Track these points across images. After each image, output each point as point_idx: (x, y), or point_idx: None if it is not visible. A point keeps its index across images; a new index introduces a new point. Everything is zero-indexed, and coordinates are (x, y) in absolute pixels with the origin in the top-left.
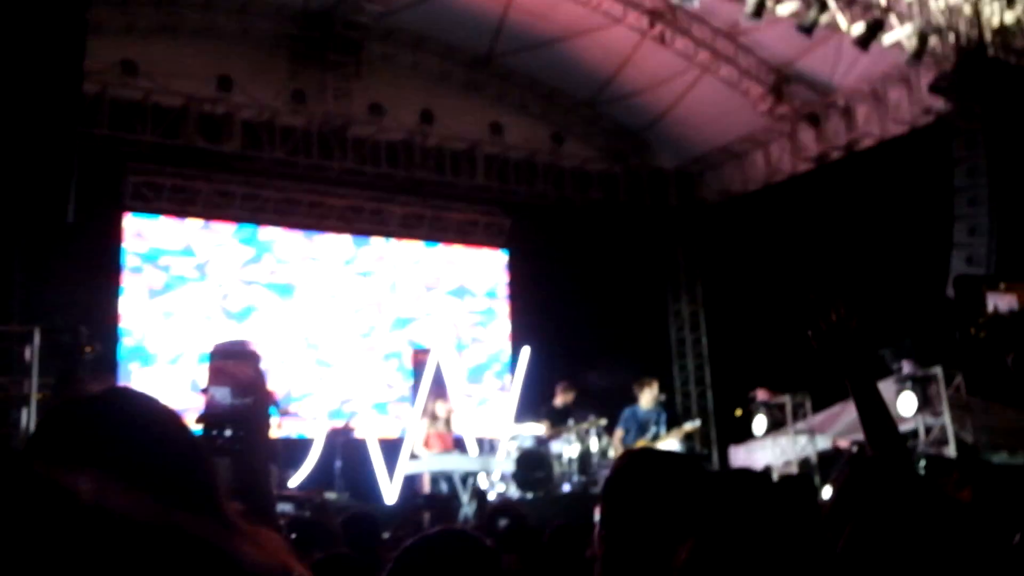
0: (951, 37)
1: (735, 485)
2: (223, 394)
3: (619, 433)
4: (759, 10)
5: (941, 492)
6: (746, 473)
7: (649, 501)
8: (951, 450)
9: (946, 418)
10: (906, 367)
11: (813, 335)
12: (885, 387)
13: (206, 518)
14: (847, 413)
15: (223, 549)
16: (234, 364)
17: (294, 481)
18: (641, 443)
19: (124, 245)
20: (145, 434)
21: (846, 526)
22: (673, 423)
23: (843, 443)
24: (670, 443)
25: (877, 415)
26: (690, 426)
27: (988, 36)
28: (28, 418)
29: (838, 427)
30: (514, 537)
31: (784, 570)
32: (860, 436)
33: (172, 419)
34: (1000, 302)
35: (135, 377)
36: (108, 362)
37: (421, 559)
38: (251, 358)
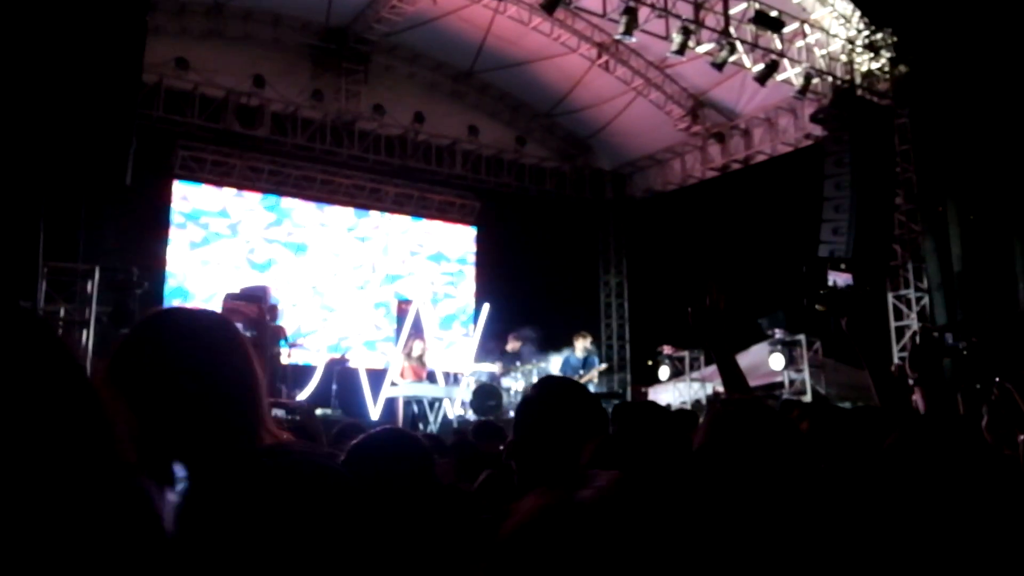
0: (829, 79)
1: (640, 410)
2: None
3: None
4: (682, 48)
5: (786, 421)
6: (648, 403)
7: (549, 411)
8: (808, 398)
9: (806, 374)
10: (778, 333)
11: (690, 313)
12: (760, 348)
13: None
14: None
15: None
16: (244, 305)
17: (299, 398)
18: None
19: (172, 206)
20: (213, 335)
21: (710, 442)
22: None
23: (723, 389)
24: (589, 382)
25: (732, 373)
26: (598, 368)
27: (858, 80)
28: (88, 337)
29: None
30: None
31: (665, 465)
32: None
33: (230, 325)
34: (839, 278)
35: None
36: (154, 298)
37: (368, 451)
38: (258, 300)
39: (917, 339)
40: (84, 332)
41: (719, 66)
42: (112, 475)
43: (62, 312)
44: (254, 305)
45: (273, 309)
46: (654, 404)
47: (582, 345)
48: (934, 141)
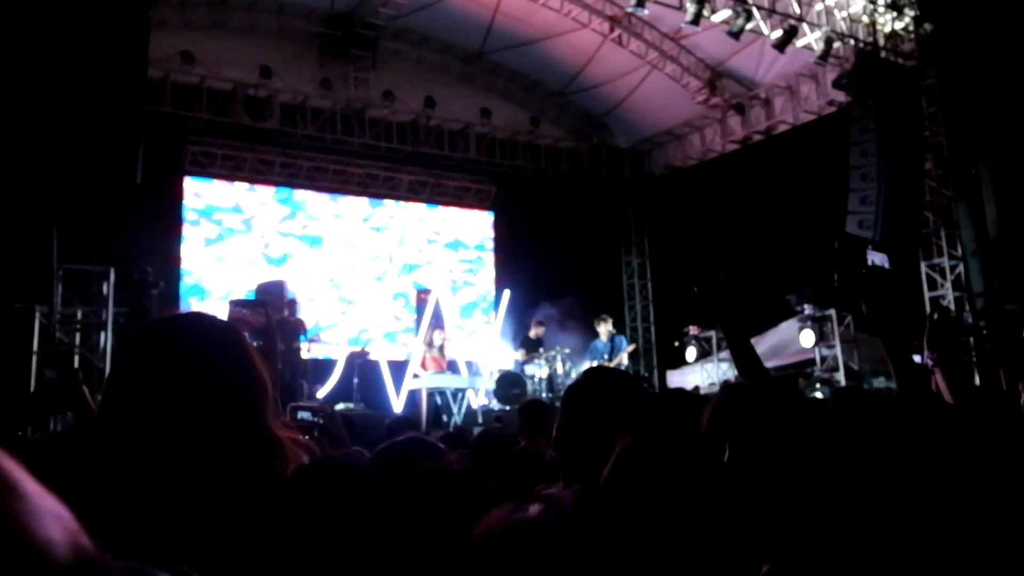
0: (851, 42)
1: (670, 398)
2: None
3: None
4: (697, 18)
5: (806, 403)
6: (679, 391)
7: (598, 404)
8: (841, 375)
9: (838, 350)
10: (807, 309)
11: (696, 292)
12: (790, 325)
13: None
14: (759, 346)
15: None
16: (250, 313)
17: (321, 393)
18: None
19: (184, 202)
20: (215, 342)
21: (722, 435)
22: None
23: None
24: (619, 365)
25: (743, 352)
26: (627, 349)
27: (881, 41)
28: (105, 340)
29: None
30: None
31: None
32: (768, 364)
33: (234, 331)
34: (876, 258)
35: (193, 309)
36: (171, 297)
37: (389, 457)
38: (264, 306)
39: (935, 316)
40: (103, 334)
41: (736, 34)
42: None
43: (79, 315)
44: (260, 311)
45: (292, 304)
46: (685, 392)
47: (605, 329)
48: (964, 101)
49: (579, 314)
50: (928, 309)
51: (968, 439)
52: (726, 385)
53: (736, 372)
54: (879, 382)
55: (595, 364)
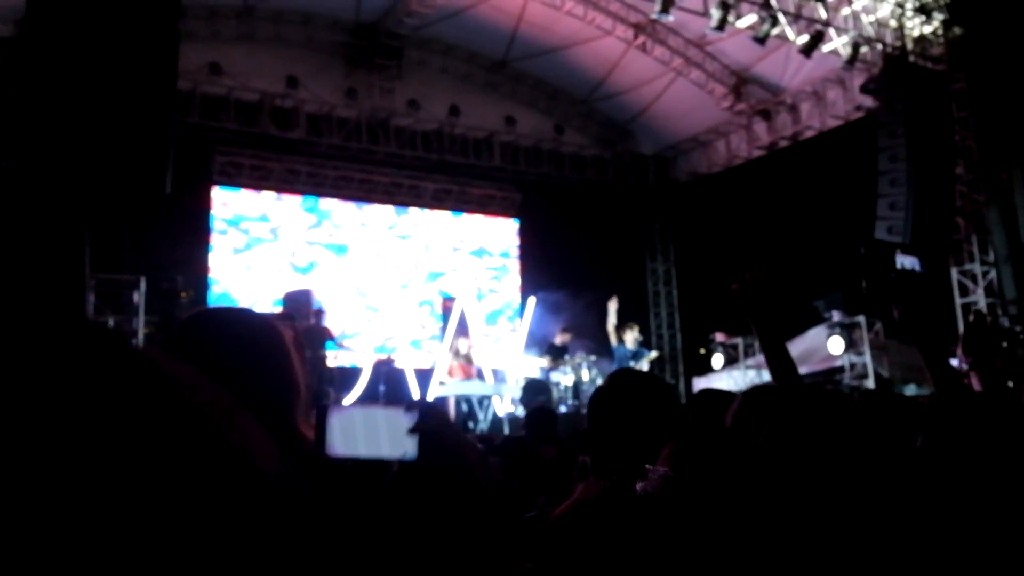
0: (879, 46)
1: (705, 398)
2: None
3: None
4: (722, 24)
5: (829, 409)
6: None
7: (626, 407)
8: (870, 382)
9: (867, 357)
10: (835, 315)
11: (736, 287)
12: (818, 332)
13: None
14: None
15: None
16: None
17: (347, 401)
18: None
19: (212, 212)
20: (254, 335)
21: (746, 434)
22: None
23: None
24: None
25: (777, 354)
26: (649, 357)
27: (909, 45)
28: None
29: None
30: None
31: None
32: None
33: (274, 328)
34: (906, 261)
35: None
36: (200, 305)
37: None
38: (290, 319)
39: (971, 320)
40: (133, 343)
41: (761, 40)
42: None
43: (111, 323)
44: (287, 324)
45: (319, 313)
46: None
47: (632, 337)
48: (994, 105)
49: (604, 321)
50: (960, 315)
51: (1007, 436)
52: (752, 386)
53: (763, 378)
54: (910, 389)
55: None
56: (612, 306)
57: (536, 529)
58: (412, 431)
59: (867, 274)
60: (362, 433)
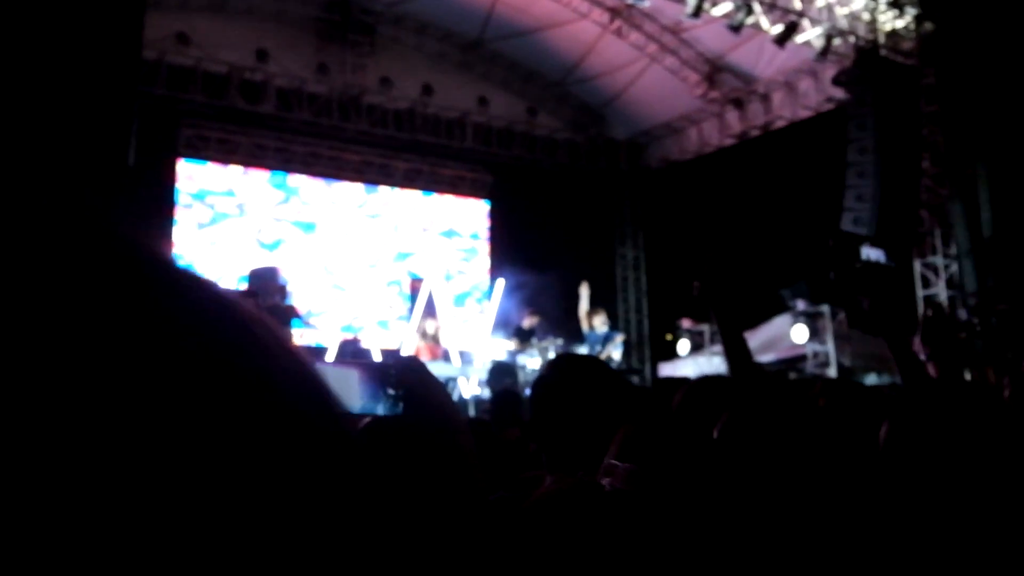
0: (851, 39)
1: (665, 389)
2: None
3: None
4: (697, 11)
5: (794, 397)
6: (674, 379)
7: (569, 394)
8: (832, 371)
9: (830, 346)
10: (800, 304)
11: (697, 286)
12: (783, 320)
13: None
14: (751, 340)
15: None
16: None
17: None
18: None
19: (178, 186)
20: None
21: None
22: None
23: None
24: (610, 356)
25: (735, 345)
26: (619, 339)
27: (881, 39)
28: None
29: None
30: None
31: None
32: (760, 359)
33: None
34: (871, 253)
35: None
36: None
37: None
38: (253, 296)
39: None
40: None
41: (736, 29)
42: None
43: None
44: (250, 302)
45: (283, 289)
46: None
47: (600, 320)
48: (962, 101)
49: (573, 305)
50: (921, 307)
51: (973, 425)
52: (700, 376)
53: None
54: (870, 378)
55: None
56: (584, 291)
57: (503, 514)
58: (396, 385)
59: (835, 265)
60: (343, 391)
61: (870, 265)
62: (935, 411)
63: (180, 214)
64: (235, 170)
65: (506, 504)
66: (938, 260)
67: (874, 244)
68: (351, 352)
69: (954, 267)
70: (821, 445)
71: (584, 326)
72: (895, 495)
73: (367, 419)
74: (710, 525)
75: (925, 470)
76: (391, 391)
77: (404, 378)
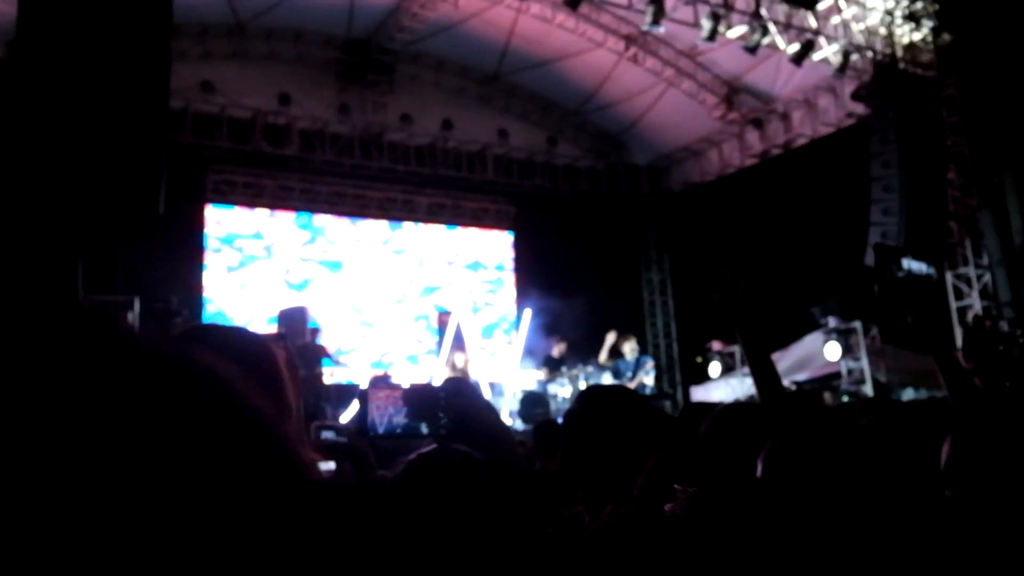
0: (869, 54)
1: (695, 415)
2: None
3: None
4: (712, 35)
5: (838, 419)
6: (701, 404)
7: (599, 427)
8: (868, 387)
9: (864, 362)
10: (831, 321)
11: (716, 297)
12: (814, 338)
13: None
14: (783, 360)
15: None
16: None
17: (344, 417)
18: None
19: (206, 231)
20: (245, 353)
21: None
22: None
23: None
24: (642, 383)
25: (761, 364)
26: (649, 365)
27: (899, 52)
28: None
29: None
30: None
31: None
32: (793, 378)
33: (268, 347)
34: (913, 264)
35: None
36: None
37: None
38: (282, 339)
39: (970, 326)
40: None
41: (752, 49)
42: None
43: None
44: (280, 345)
45: (315, 331)
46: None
47: (630, 347)
48: (985, 110)
49: (601, 332)
50: (956, 319)
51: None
52: (729, 403)
53: None
54: (907, 394)
55: (616, 383)
56: (609, 339)
57: (565, 544)
58: (446, 409)
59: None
60: (396, 412)
61: (913, 276)
62: (1002, 425)
63: (209, 258)
64: (262, 213)
65: (566, 533)
66: (970, 271)
67: (915, 256)
68: None
69: (987, 277)
70: (873, 465)
71: (603, 361)
72: (964, 512)
73: (412, 457)
74: (774, 551)
75: (995, 486)
76: (441, 415)
77: (453, 402)
